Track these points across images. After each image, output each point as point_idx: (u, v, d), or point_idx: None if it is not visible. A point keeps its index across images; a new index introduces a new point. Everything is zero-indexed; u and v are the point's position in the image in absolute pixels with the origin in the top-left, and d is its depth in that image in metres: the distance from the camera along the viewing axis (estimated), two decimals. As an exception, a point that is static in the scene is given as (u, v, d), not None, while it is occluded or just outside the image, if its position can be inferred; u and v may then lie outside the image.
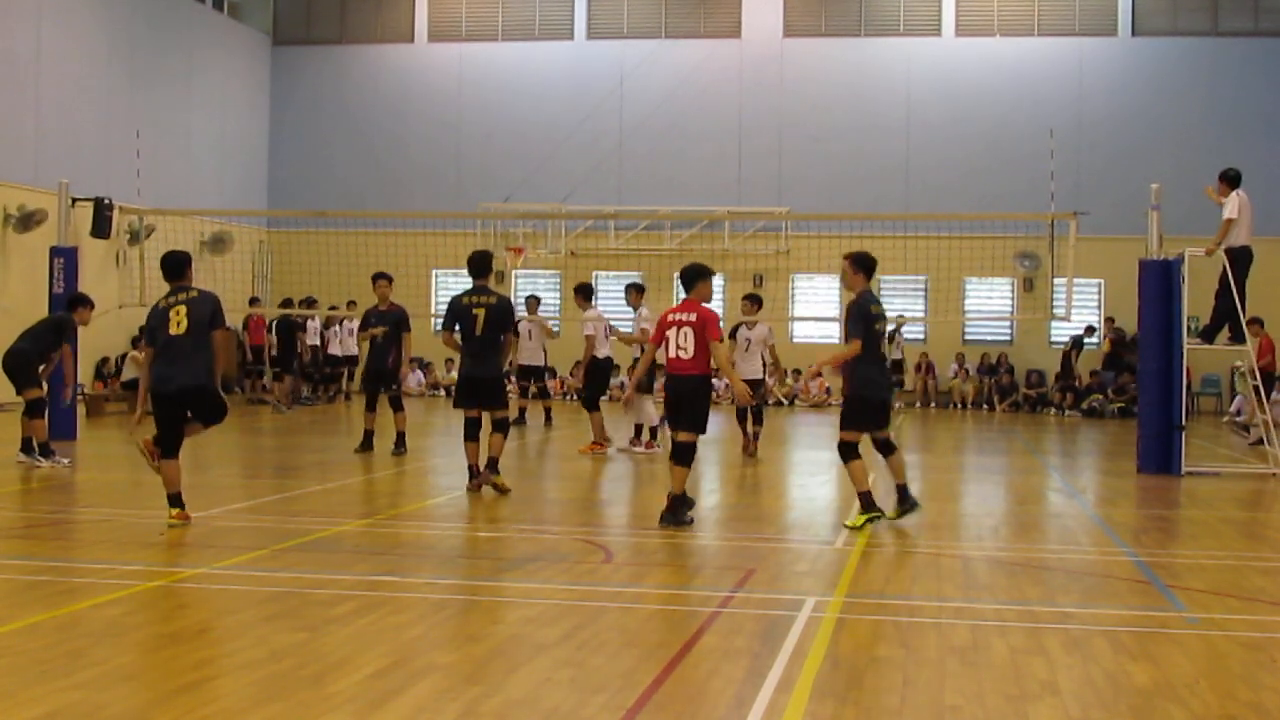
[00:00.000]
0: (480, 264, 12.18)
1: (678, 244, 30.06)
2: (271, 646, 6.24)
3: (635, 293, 16.85)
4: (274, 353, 25.72)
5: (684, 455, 10.26)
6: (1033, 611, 7.38)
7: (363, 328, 16.30)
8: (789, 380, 28.02)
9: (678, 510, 10.17)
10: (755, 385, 15.67)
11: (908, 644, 6.54)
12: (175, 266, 10.11)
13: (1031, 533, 10.85)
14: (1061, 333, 28.13)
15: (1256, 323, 19.58)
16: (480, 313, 11.78)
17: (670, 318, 10.43)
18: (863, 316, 9.93)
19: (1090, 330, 27.65)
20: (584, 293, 17.25)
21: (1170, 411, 14.69)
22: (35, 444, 13.58)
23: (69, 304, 14.52)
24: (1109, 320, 28.16)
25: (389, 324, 15.74)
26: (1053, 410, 27.27)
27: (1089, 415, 26.41)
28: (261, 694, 5.46)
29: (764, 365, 15.95)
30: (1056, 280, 18.97)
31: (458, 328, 11.87)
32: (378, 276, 16.12)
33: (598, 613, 7.12)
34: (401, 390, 16.17)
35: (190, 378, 9.78)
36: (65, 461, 13.73)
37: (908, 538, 10.01)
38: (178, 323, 9.79)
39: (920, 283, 29.13)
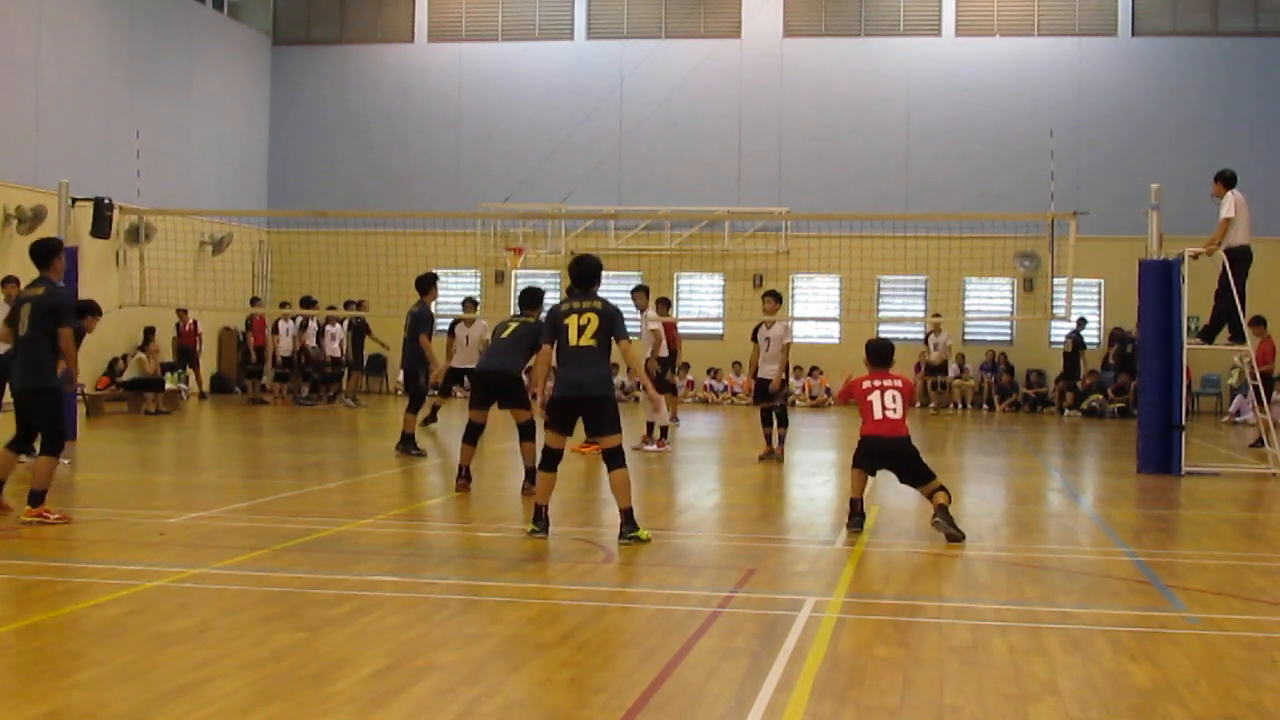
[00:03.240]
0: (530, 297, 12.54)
1: (678, 244, 30.07)
2: (271, 646, 6.24)
3: (643, 295, 16.84)
4: (349, 353, 26.70)
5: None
6: (1033, 611, 7.38)
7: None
8: (791, 382, 28.01)
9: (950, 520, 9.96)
10: (775, 387, 15.61)
11: (908, 644, 6.54)
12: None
13: (1031, 533, 10.85)
14: (1059, 332, 28.10)
15: (1260, 322, 19.59)
16: (515, 324, 12.11)
17: (868, 384, 10.24)
18: (548, 322, 9.77)
19: (1083, 323, 27.60)
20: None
21: (1170, 411, 14.69)
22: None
23: (78, 311, 14.26)
24: (1115, 330, 28.09)
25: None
26: (1054, 410, 27.25)
27: (1089, 415, 26.41)
28: (261, 694, 5.46)
29: (783, 366, 15.77)
30: (1056, 280, 18.95)
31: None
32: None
33: (598, 613, 7.12)
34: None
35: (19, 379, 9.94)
36: (65, 462, 13.70)
37: (908, 538, 10.01)
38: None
39: (920, 283, 29.13)
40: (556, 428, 9.59)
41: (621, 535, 9.42)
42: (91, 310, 14.13)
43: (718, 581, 8.16)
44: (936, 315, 27.77)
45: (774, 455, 15.59)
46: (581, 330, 9.38)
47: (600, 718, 5.25)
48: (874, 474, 10.39)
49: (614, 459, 9.44)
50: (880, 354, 10.51)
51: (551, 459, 9.60)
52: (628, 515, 9.42)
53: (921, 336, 29.29)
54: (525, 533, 9.62)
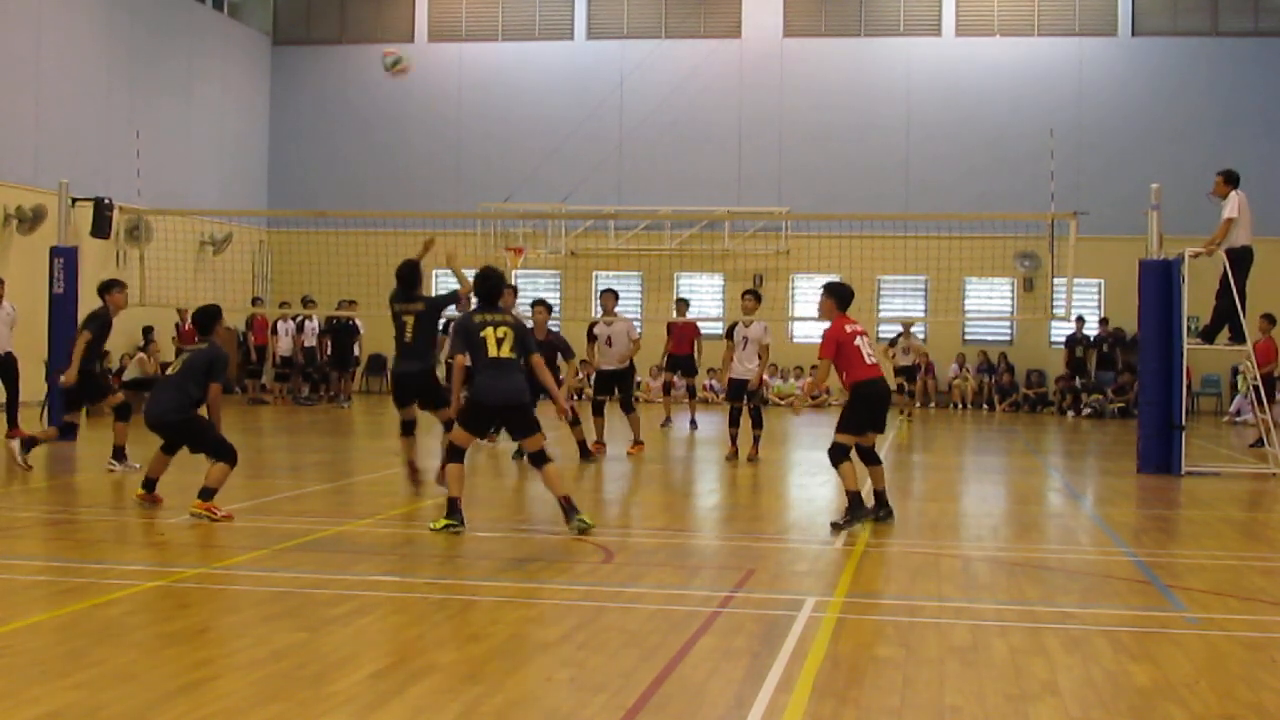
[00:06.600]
0: (409, 275, 12.13)
1: (678, 244, 30.05)
2: (271, 646, 6.24)
3: (544, 309, 16.36)
4: (329, 353, 26.56)
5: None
6: (1033, 611, 7.38)
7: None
8: (791, 382, 28.04)
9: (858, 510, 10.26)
10: (753, 387, 15.56)
11: (908, 644, 6.54)
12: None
13: (1031, 533, 10.85)
14: (1065, 333, 28.07)
15: (1267, 319, 19.61)
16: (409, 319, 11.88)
17: (849, 328, 10.38)
18: (461, 333, 10.06)
19: (1081, 321, 27.62)
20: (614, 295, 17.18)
21: (1170, 411, 14.69)
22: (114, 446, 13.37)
23: (101, 290, 14.02)
24: (1103, 321, 28.17)
25: (545, 352, 14.30)
26: (1068, 412, 27.03)
27: (1089, 415, 26.37)
28: (261, 694, 5.46)
29: (763, 366, 15.71)
30: (1056, 280, 18.97)
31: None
32: (537, 303, 15.50)
33: (598, 613, 7.12)
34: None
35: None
36: (137, 466, 13.30)
37: (908, 538, 10.01)
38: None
39: (920, 283, 29.13)
40: (472, 429, 10.02)
41: (569, 520, 9.70)
42: (116, 285, 13.98)
43: (718, 581, 8.16)
44: (908, 322, 27.47)
45: (748, 456, 15.45)
46: (500, 343, 9.89)
47: (600, 718, 5.25)
48: (866, 430, 10.42)
49: (539, 459, 9.94)
50: (850, 296, 10.70)
51: (458, 453, 9.94)
52: (569, 502, 9.80)
53: (923, 336, 29.25)
54: (432, 529, 9.63)
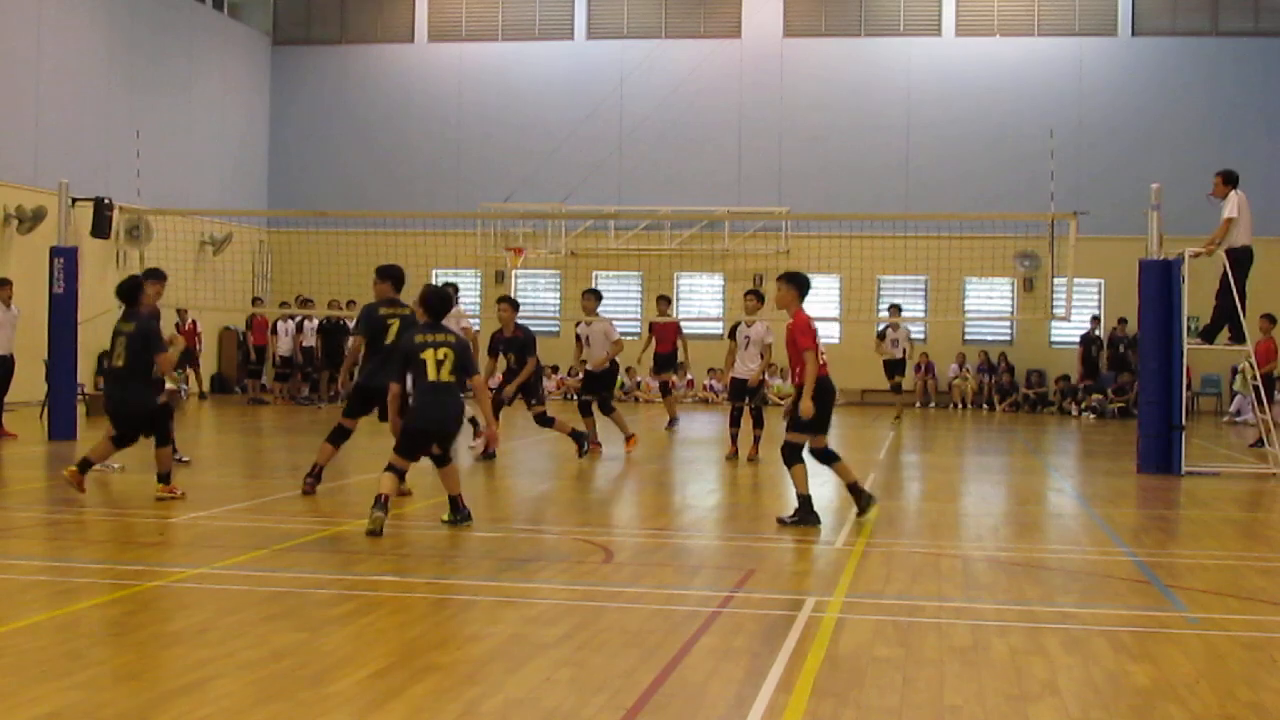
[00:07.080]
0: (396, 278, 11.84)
1: (678, 244, 30.06)
2: (271, 646, 6.24)
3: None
4: (319, 353, 26.34)
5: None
6: (1033, 611, 7.38)
7: (491, 353, 15.15)
8: (782, 382, 28.04)
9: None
10: (753, 386, 15.54)
11: (908, 644, 6.54)
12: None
13: (1031, 533, 10.85)
14: (1065, 333, 28.08)
15: (1267, 319, 19.62)
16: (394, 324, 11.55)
17: (814, 323, 10.29)
18: (400, 357, 9.91)
19: (1096, 320, 27.67)
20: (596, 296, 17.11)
21: (1170, 411, 14.68)
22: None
23: (143, 277, 13.86)
24: (1122, 321, 28.05)
25: (515, 350, 14.82)
26: (1054, 410, 27.14)
27: (1094, 415, 26.38)
28: (261, 694, 5.46)
29: (764, 366, 15.66)
30: (1056, 280, 18.98)
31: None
32: (502, 300, 15.32)
33: (598, 613, 7.12)
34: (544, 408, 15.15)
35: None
36: (113, 464, 13.07)
37: (908, 538, 10.01)
38: None
39: (920, 283, 29.14)
40: (407, 455, 9.89)
41: (455, 511, 9.90)
42: (156, 275, 13.76)
43: (718, 581, 8.16)
44: (895, 306, 27.29)
45: (748, 456, 15.40)
46: (440, 365, 9.75)
47: (600, 718, 5.25)
48: (817, 430, 10.30)
49: (442, 459, 10.01)
50: (809, 287, 10.66)
51: (399, 472, 9.93)
52: (458, 501, 9.94)
53: (922, 336, 29.25)
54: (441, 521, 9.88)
